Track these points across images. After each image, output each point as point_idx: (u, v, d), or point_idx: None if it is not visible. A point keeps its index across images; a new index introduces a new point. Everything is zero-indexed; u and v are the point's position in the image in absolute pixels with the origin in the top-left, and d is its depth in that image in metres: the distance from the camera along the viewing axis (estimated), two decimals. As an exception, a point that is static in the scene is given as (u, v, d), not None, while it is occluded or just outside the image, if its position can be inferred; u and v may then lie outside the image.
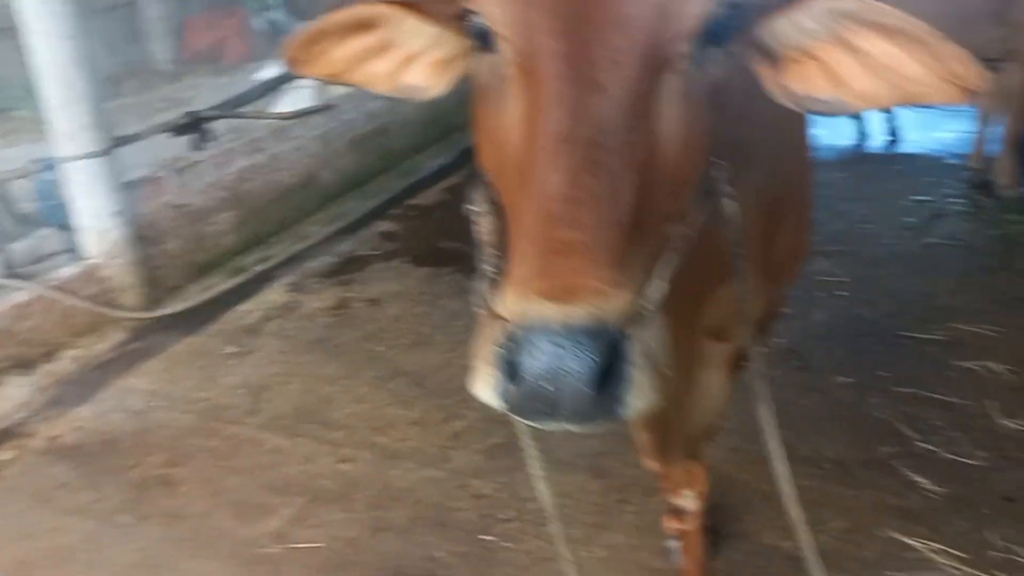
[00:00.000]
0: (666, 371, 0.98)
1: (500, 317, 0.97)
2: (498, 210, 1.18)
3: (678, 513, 2.10)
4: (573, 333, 0.92)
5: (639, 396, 0.95)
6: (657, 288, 1.00)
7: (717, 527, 2.56)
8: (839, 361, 3.44)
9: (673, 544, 2.44)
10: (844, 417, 3.10)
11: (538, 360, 0.92)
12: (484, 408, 3.49)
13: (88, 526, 2.65)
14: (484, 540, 2.58)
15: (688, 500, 2.06)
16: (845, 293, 3.95)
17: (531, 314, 0.93)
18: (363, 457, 2.96)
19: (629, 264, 0.97)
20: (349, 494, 2.78)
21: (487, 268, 1.13)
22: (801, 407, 3.16)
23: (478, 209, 1.22)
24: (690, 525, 2.11)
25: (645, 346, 0.96)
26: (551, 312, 0.92)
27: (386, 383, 3.40)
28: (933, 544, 2.48)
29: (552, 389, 0.93)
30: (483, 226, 1.20)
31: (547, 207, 0.97)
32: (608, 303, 0.93)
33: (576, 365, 0.92)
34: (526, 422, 1.00)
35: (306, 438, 3.07)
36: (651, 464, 1.84)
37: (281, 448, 3.01)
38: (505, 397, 0.97)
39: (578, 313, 0.92)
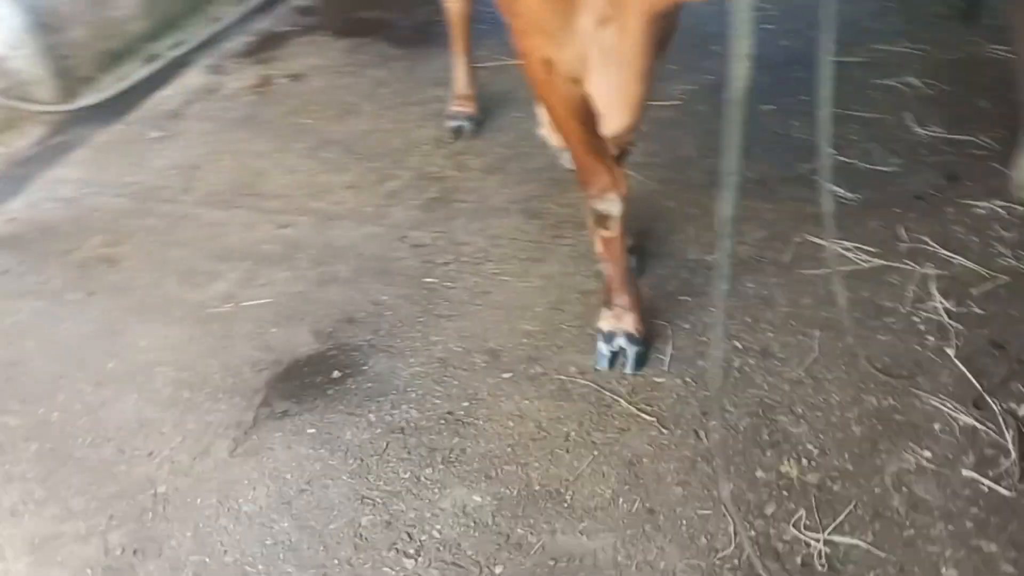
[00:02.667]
0: None
1: None
2: None
3: (602, 220, 2.20)
4: None
5: None
6: None
7: (645, 248, 2.70)
8: (765, 90, 3.48)
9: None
10: (767, 141, 3.19)
11: None
12: (417, 168, 3.56)
13: (37, 305, 2.71)
14: (425, 282, 2.69)
15: (611, 204, 2.15)
16: (772, 26, 3.93)
17: None
18: (302, 222, 3.01)
19: None
20: (292, 255, 2.85)
21: None
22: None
23: None
24: (613, 231, 2.22)
25: None
26: None
27: (317, 153, 3.39)
28: (846, 243, 2.64)
29: None
30: None
31: None
32: None
33: None
34: None
35: (243, 209, 3.09)
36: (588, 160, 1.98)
37: (219, 221, 3.04)
38: None
39: None
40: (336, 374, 2.38)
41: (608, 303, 2.35)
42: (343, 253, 2.84)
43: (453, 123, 3.39)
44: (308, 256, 2.84)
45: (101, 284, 2.78)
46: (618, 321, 2.32)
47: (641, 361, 2.31)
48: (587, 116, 2.02)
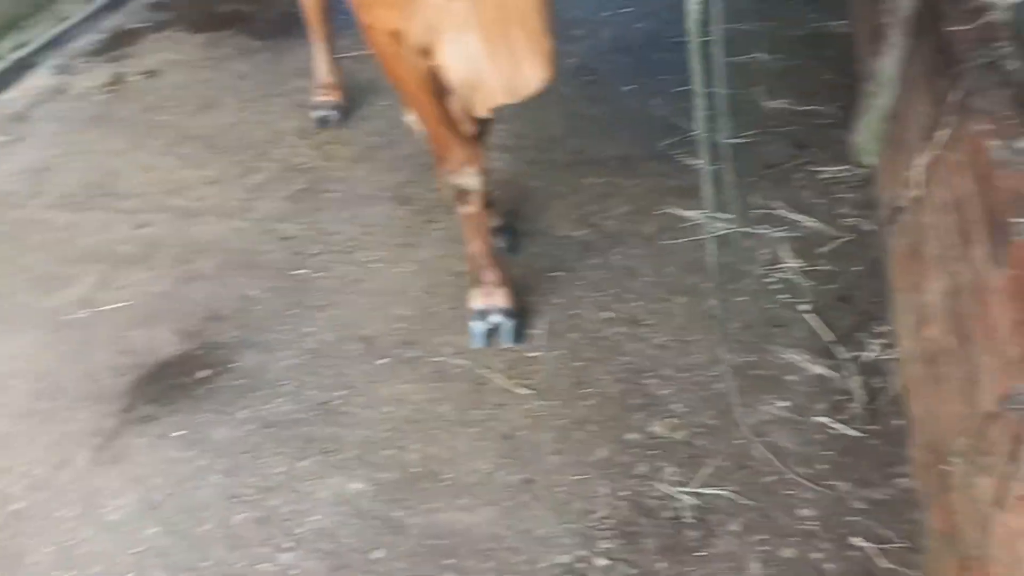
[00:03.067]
0: None
1: None
2: None
3: (462, 195, 2.21)
4: None
5: None
6: None
7: (516, 228, 2.72)
8: (625, 72, 3.58)
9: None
10: (628, 120, 3.28)
11: None
12: (283, 159, 3.49)
13: None
14: (295, 274, 2.64)
15: (470, 178, 2.17)
16: (630, 9, 4.03)
17: None
18: (161, 220, 2.90)
19: None
20: (151, 254, 2.75)
21: None
22: (590, 116, 3.31)
23: None
24: (474, 206, 2.23)
25: None
26: None
27: (175, 149, 3.27)
28: (704, 212, 2.74)
29: None
30: None
31: None
32: None
33: None
34: None
35: (98, 211, 2.96)
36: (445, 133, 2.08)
37: (73, 223, 2.90)
38: None
39: None
40: (204, 373, 2.31)
41: (477, 281, 2.37)
42: (207, 249, 2.76)
43: (318, 113, 3.34)
44: (169, 255, 2.74)
45: (-57, 297, 2.61)
46: (489, 298, 2.34)
47: (517, 334, 2.34)
48: (439, 88, 2.02)
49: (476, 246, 2.32)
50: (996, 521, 1.30)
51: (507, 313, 2.33)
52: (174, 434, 2.14)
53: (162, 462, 2.07)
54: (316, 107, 3.35)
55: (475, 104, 2.06)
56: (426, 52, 1.93)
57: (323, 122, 3.33)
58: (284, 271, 2.65)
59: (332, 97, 3.34)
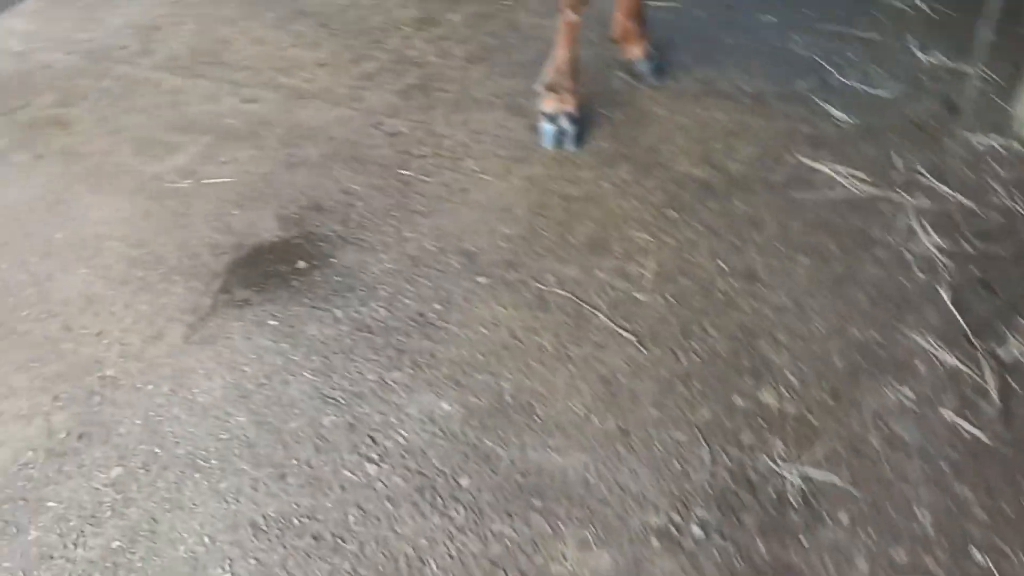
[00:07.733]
0: None
1: None
2: None
3: (577, 5, 2.48)
4: None
5: None
6: None
7: (635, 157, 2.57)
8: (766, 0, 3.32)
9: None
10: (766, 54, 3.05)
11: None
12: (396, 50, 3.37)
13: (-23, 165, 2.50)
14: (400, 174, 2.54)
15: None
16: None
17: None
18: (269, 97, 2.81)
19: None
20: (258, 132, 2.67)
21: None
22: (725, 45, 3.08)
23: None
24: (578, 16, 2.51)
25: None
26: None
27: (288, 24, 3.16)
28: (840, 167, 2.55)
29: None
30: None
31: None
32: None
33: None
34: None
35: (206, 79, 2.88)
36: None
37: (180, 88, 2.83)
38: None
39: None
40: (302, 264, 2.25)
41: (555, 87, 2.62)
42: (313, 135, 2.67)
43: None
44: (275, 135, 2.66)
45: (50, 147, 2.58)
46: (562, 104, 2.61)
47: (579, 139, 2.60)
48: None
49: (563, 53, 2.58)
50: None
51: (573, 119, 2.59)
52: (269, 323, 2.09)
53: (255, 350, 2.03)
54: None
55: None
56: None
57: (442, 14, 3.17)
58: (389, 169, 2.56)
59: (455, -11, 3.18)
